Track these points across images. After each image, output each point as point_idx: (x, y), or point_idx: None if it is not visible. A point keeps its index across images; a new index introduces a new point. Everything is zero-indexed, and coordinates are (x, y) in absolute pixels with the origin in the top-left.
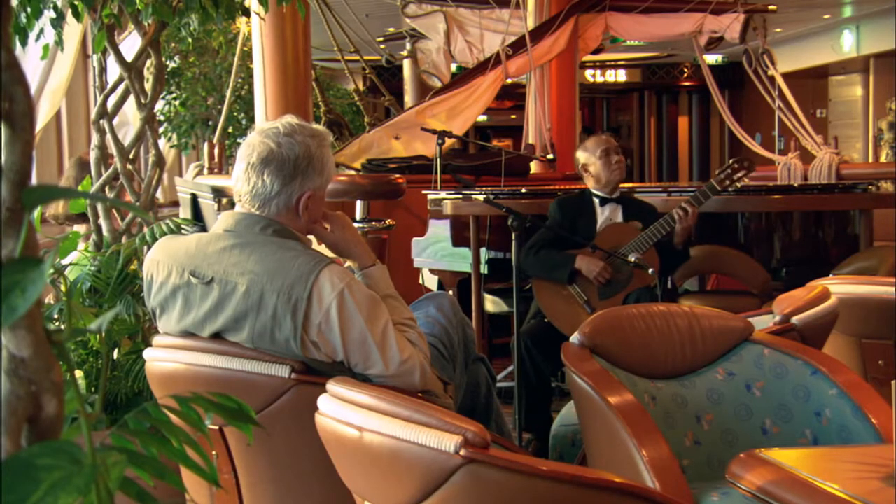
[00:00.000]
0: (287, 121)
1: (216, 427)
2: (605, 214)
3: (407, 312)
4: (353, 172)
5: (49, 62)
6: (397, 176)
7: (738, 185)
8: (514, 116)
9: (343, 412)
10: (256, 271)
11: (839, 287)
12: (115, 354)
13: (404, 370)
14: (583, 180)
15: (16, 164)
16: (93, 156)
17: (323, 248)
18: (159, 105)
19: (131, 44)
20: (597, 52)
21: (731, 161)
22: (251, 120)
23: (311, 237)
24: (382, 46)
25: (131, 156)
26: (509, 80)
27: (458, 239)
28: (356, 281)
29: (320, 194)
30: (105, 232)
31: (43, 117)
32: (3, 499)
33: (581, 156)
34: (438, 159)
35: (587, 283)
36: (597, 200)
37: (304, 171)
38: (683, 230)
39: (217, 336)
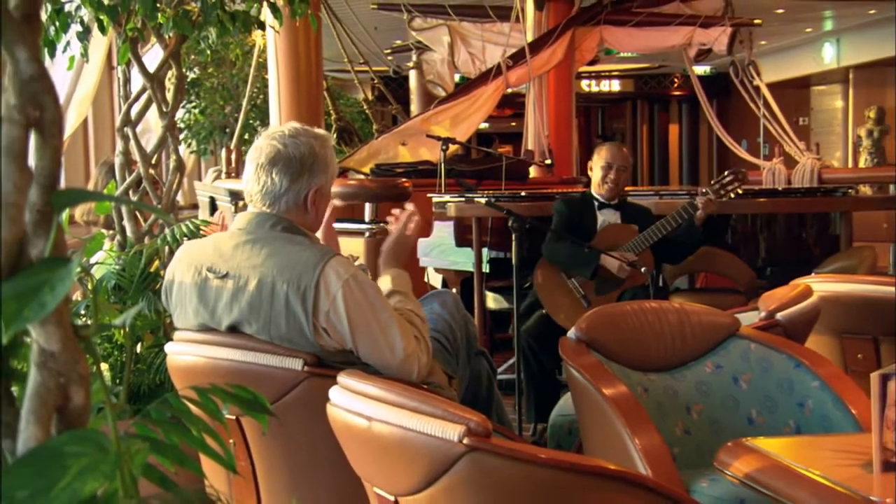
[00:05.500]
0: (291, 125)
1: (233, 417)
2: (604, 217)
3: (412, 306)
4: (362, 177)
5: (76, 73)
6: (404, 180)
7: (732, 194)
8: (514, 124)
9: (353, 403)
10: (267, 264)
11: (821, 285)
12: (139, 348)
13: (407, 354)
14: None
15: (45, 168)
16: (117, 161)
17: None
18: (180, 113)
19: (153, 56)
20: (592, 63)
21: (726, 172)
22: (266, 127)
23: (318, 234)
24: (390, 58)
25: (153, 161)
26: (510, 90)
27: (462, 239)
28: (360, 272)
29: (326, 190)
30: (129, 233)
31: (70, 125)
32: (33, 483)
33: (594, 156)
34: (442, 164)
35: (585, 279)
36: (596, 204)
37: (309, 168)
38: (703, 216)
39: (233, 329)
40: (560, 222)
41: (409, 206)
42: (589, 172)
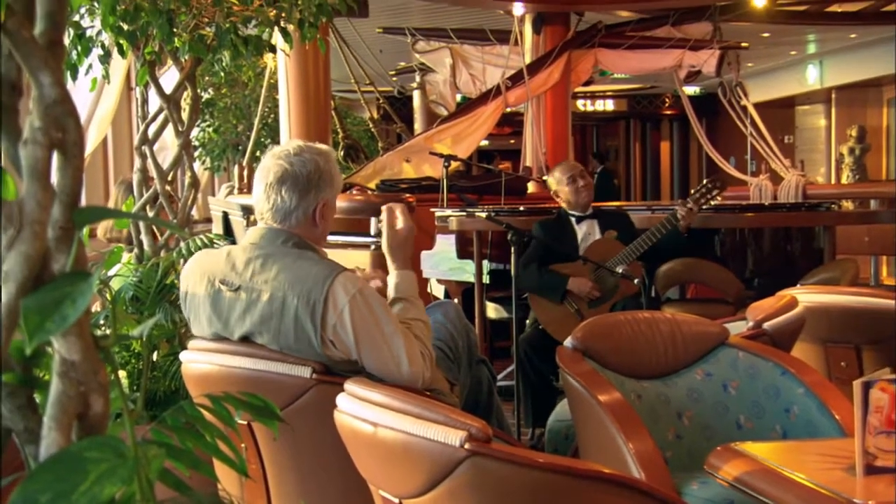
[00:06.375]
0: (295, 143)
1: (245, 422)
2: (583, 230)
3: (416, 314)
4: (368, 192)
5: (97, 94)
6: (408, 195)
7: (712, 202)
8: (512, 141)
9: (359, 409)
10: (279, 279)
11: (806, 296)
12: (155, 356)
13: (412, 370)
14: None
15: (67, 187)
16: (135, 178)
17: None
18: (194, 132)
19: (170, 77)
20: (587, 83)
21: (706, 181)
22: (277, 145)
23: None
24: (394, 79)
25: (169, 178)
26: (509, 109)
27: (463, 252)
28: (368, 287)
29: (332, 203)
30: (146, 246)
31: (91, 144)
32: (55, 488)
33: (552, 183)
34: (445, 180)
35: (578, 294)
36: (573, 219)
37: (316, 184)
38: (685, 226)
39: (245, 339)
40: (536, 249)
41: (388, 205)
42: (556, 198)
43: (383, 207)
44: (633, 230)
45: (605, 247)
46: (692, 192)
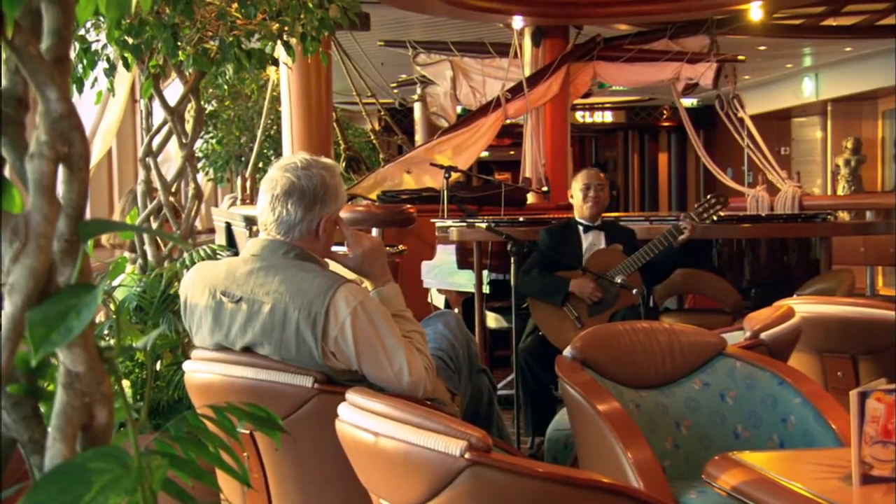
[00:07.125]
0: (302, 156)
1: (247, 431)
2: (589, 240)
3: (412, 327)
4: (369, 203)
5: (102, 106)
6: (409, 206)
7: (714, 217)
8: (512, 153)
9: (360, 419)
10: (280, 291)
11: (802, 306)
12: (158, 366)
13: (412, 381)
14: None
15: (73, 200)
16: (139, 189)
17: (341, 269)
18: (198, 144)
19: (174, 89)
20: (586, 95)
21: (709, 196)
22: (279, 156)
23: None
24: (395, 91)
25: (173, 189)
26: (508, 121)
27: (463, 262)
28: (370, 298)
29: (335, 217)
30: (150, 256)
31: (96, 156)
32: (59, 499)
33: (572, 185)
34: (445, 191)
35: (578, 301)
36: (581, 228)
37: (322, 199)
38: (684, 239)
39: (248, 349)
40: (538, 256)
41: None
42: (570, 200)
43: (352, 234)
44: (637, 247)
45: (606, 257)
46: (695, 206)
